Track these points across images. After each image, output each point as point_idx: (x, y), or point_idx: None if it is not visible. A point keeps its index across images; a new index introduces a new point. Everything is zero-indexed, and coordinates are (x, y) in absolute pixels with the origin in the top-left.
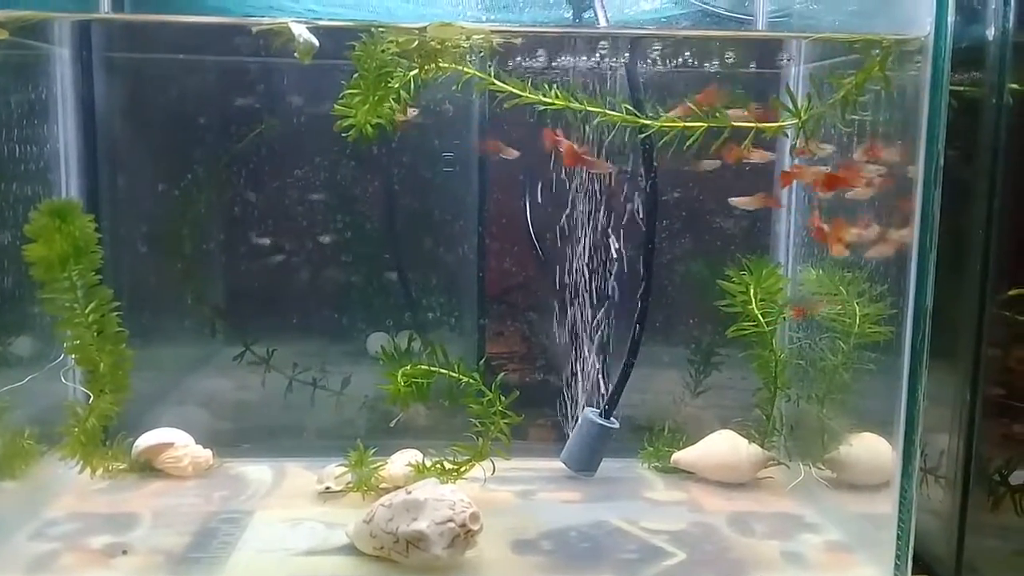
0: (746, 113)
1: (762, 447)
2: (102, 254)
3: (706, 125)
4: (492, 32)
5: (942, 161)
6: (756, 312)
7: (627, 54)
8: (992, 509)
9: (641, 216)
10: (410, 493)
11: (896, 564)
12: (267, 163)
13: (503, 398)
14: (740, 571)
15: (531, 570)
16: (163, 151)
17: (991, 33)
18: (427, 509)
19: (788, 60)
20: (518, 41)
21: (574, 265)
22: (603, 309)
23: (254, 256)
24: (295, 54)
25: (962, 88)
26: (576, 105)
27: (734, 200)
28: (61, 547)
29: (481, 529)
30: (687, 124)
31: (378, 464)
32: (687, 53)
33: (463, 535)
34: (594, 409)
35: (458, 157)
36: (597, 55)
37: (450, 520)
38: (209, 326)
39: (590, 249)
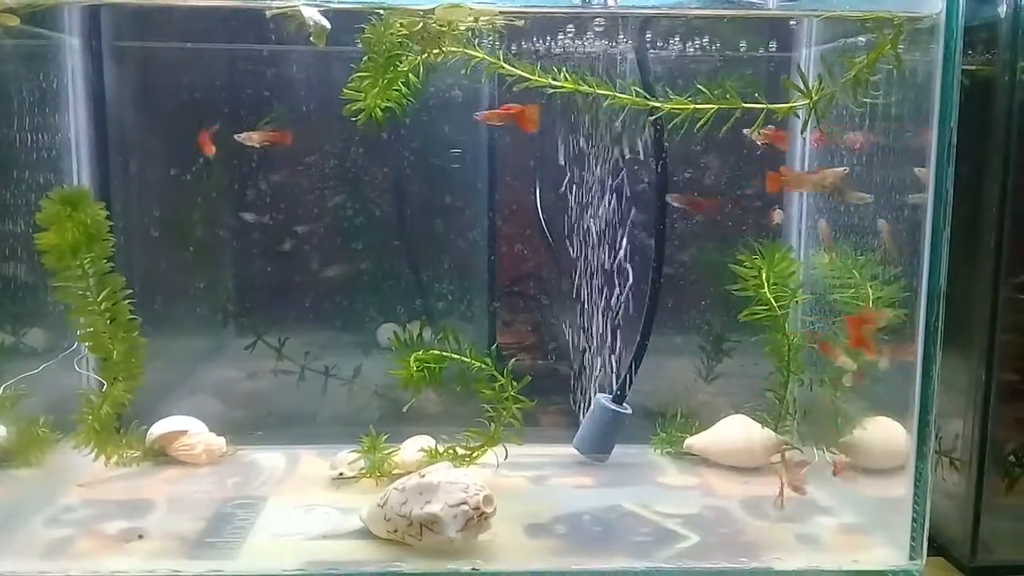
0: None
1: (775, 432)
2: (113, 242)
3: (716, 107)
4: (500, 13)
5: (955, 140)
6: (768, 296)
7: (639, 36)
8: (1007, 491)
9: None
10: (424, 476)
11: (911, 546)
12: (277, 151)
13: (515, 383)
14: (755, 553)
15: (545, 553)
16: (172, 139)
17: (1003, 11)
18: (441, 492)
19: None
20: (522, 23)
21: (584, 252)
22: (614, 294)
23: (263, 245)
24: (310, 38)
25: (974, 67)
26: (586, 88)
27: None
28: (77, 532)
29: (495, 512)
30: (697, 106)
31: (391, 450)
32: (697, 36)
33: (477, 518)
34: (606, 395)
35: (467, 143)
36: (607, 37)
37: (464, 503)
38: (221, 315)
39: (600, 235)
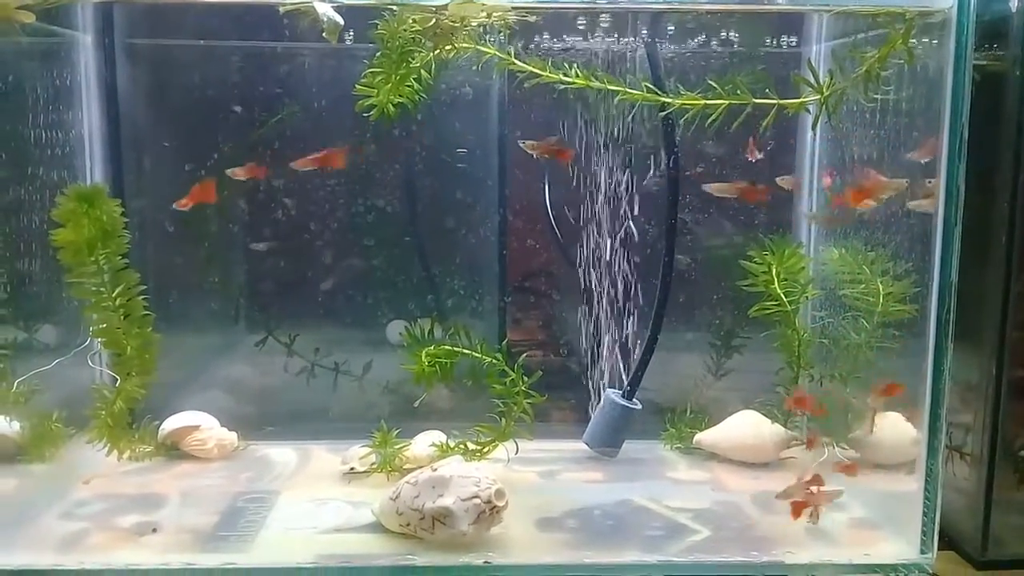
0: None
1: (785, 427)
2: (128, 238)
3: (727, 102)
4: (513, 8)
5: (966, 135)
6: (779, 291)
7: (649, 31)
8: (1018, 486)
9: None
10: (436, 470)
11: (922, 540)
12: (289, 147)
13: (525, 378)
14: (765, 547)
15: (557, 547)
16: (185, 136)
17: (1015, 5)
18: (453, 486)
19: None
20: (533, 19)
21: (594, 248)
22: (624, 290)
23: (275, 241)
24: (322, 34)
25: (985, 62)
26: (597, 84)
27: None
28: (91, 526)
29: (506, 505)
30: (708, 102)
31: (402, 445)
32: (707, 31)
33: (488, 511)
34: (616, 390)
35: (477, 140)
36: (617, 33)
37: (475, 496)
38: (232, 311)
39: (611, 230)
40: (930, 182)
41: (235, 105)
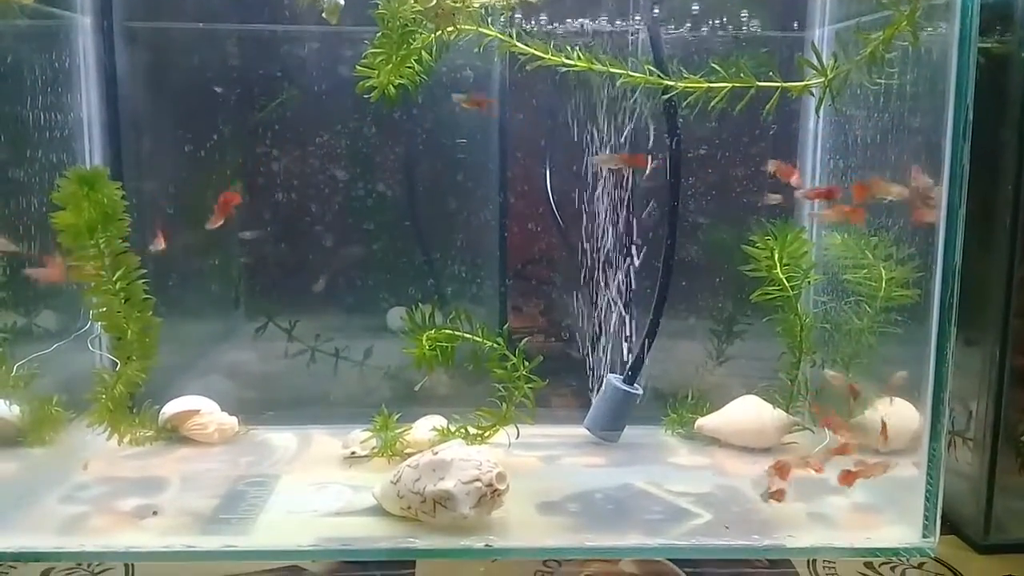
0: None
1: (786, 412)
2: (129, 221)
3: (731, 85)
4: None
5: (971, 117)
6: (781, 276)
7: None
8: (1020, 471)
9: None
10: (436, 453)
11: (924, 524)
12: (289, 131)
13: (526, 363)
14: (767, 531)
15: (558, 530)
16: (184, 120)
17: None
18: (454, 469)
19: None
20: (536, 0)
21: (596, 233)
22: (625, 274)
23: (275, 226)
24: (322, 15)
25: (990, 45)
26: (599, 67)
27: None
28: (92, 509)
29: (507, 489)
30: (711, 85)
31: (403, 429)
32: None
33: (490, 494)
34: (617, 375)
35: (478, 124)
36: (620, 16)
37: (477, 479)
38: (233, 296)
39: (612, 214)
40: (936, 185)
41: (226, 88)
